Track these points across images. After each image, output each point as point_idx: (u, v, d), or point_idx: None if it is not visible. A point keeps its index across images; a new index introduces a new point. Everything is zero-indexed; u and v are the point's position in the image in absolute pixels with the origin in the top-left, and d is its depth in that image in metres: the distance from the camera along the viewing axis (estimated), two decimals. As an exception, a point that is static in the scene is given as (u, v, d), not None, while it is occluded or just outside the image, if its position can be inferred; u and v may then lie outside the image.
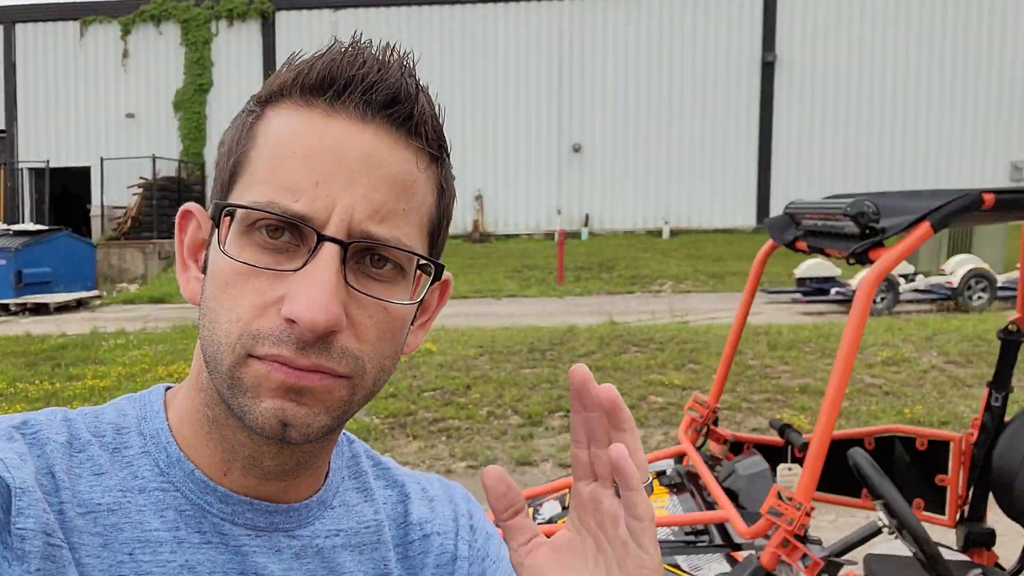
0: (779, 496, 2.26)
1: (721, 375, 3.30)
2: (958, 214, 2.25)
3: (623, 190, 21.02)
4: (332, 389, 0.61)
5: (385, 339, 0.64)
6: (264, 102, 0.65)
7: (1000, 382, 3.36)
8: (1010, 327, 3.33)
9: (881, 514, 2.35)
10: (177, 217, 0.71)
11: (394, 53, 0.64)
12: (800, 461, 3.11)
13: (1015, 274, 12.88)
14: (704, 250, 18.92)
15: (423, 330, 0.73)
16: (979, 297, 12.17)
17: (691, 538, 2.58)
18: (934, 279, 12.60)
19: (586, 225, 21.25)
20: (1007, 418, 3.33)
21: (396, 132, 0.63)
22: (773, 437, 3.35)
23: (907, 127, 20.10)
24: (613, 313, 12.46)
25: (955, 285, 12.18)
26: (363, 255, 0.62)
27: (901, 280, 12.43)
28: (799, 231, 2.99)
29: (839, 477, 3.10)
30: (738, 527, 2.39)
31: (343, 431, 0.77)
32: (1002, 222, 2.57)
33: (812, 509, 2.28)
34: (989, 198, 2.24)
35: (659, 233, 21.05)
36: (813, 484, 2.24)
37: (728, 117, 20.63)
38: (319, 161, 0.61)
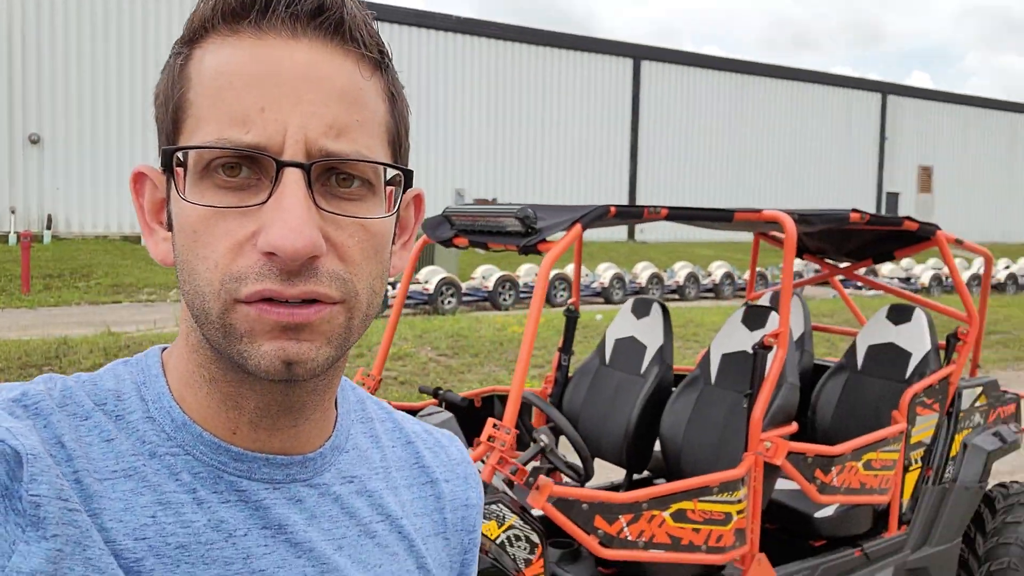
0: (494, 426, 2.94)
1: (384, 348, 3.87)
2: (598, 219, 3.20)
3: (94, 190, 19.32)
4: (329, 318, 0.60)
5: (369, 258, 0.62)
6: (189, 42, 0.62)
7: (566, 348, 4.54)
8: (569, 307, 4.52)
9: (543, 436, 3.20)
10: (131, 182, 0.68)
11: None
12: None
13: (474, 282, 15.61)
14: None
15: (405, 250, 0.72)
16: (449, 301, 14.44)
17: None
18: (413, 287, 14.52)
19: (48, 227, 19.07)
20: (571, 374, 4.52)
21: (331, 42, 0.61)
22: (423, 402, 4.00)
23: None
24: (109, 323, 11.70)
25: (431, 291, 14.26)
26: (328, 176, 0.61)
27: (389, 287, 14.08)
28: (453, 231, 3.70)
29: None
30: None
31: (344, 378, 0.77)
32: (625, 224, 3.63)
33: (516, 434, 3.01)
34: (613, 210, 3.23)
35: (139, 239, 19.88)
36: (515, 415, 2.97)
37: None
38: (260, 86, 0.58)
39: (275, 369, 0.59)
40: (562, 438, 4.59)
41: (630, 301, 4.50)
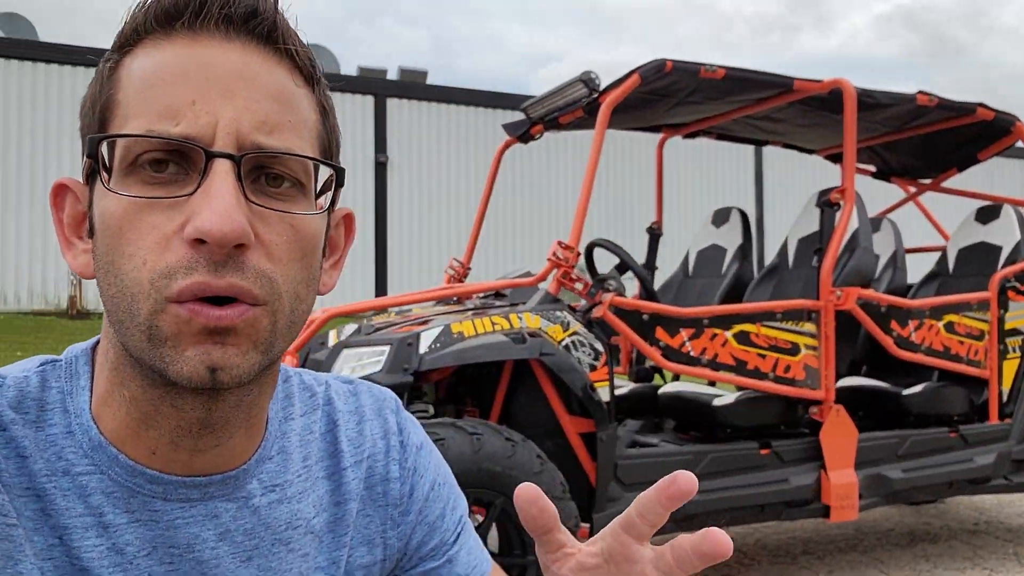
0: (559, 244, 3.17)
1: (473, 237, 4.21)
2: (655, 71, 3.44)
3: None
4: (253, 321, 0.58)
5: (296, 259, 0.61)
6: (120, 49, 0.62)
7: (649, 265, 4.70)
8: (652, 226, 4.70)
9: (615, 277, 3.39)
10: (51, 196, 0.66)
11: None
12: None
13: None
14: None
15: (336, 270, 0.71)
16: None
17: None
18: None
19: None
20: (656, 289, 4.66)
21: (263, 48, 0.62)
22: None
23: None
24: None
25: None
26: (258, 174, 0.60)
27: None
28: (528, 123, 4.04)
29: None
30: (531, 280, 3.28)
31: (285, 367, 0.75)
32: (678, 86, 3.74)
33: (579, 254, 3.23)
34: (670, 64, 3.47)
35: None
36: (578, 235, 3.19)
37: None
38: (191, 81, 0.58)
39: (199, 376, 0.57)
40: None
41: (710, 214, 4.66)
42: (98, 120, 0.61)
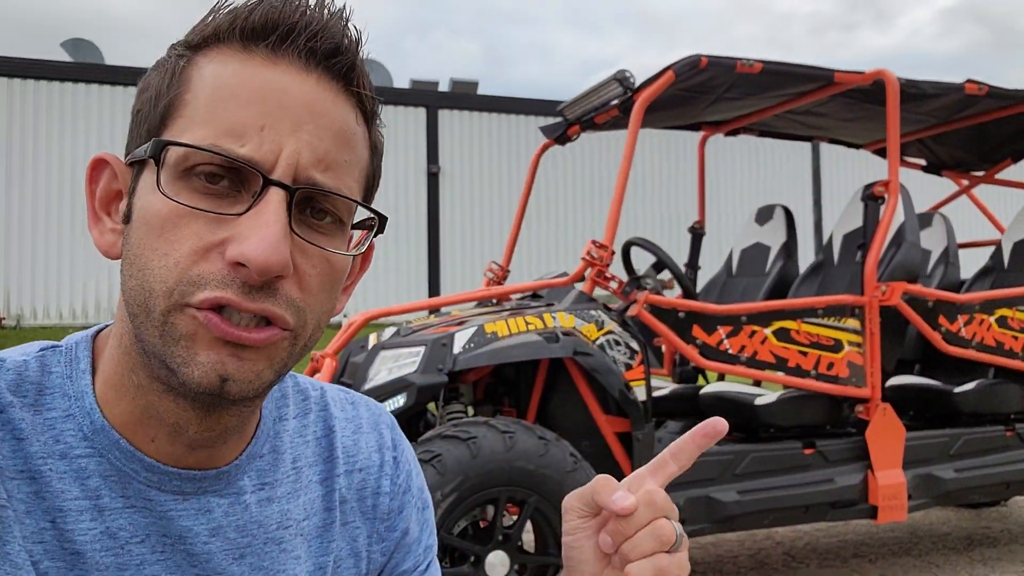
0: (593, 243, 3.16)
1: (511, 240, 4.22)
2: (689, 68, 3.42)
3: None
4: (277, 343, 0.60)
5: (325, 291, 0.63)
6: (195, 47, 0.63)
7: (692, 264, 4.66)
8: (694, 226, 4.65)
9: (651, 276, 3.36)
10: (88, 168, 0.67)
11: (332, 5, 0.63)
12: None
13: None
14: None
15: (346, 295, 0.72)
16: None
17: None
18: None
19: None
20: (698, 289, 4.61)
21: (337, 83, 0.63)
22: None
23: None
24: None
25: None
26: (305, 206, 0.61)
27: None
28: (565, 124, 4.04)
29: None
30: (565, 280, 3.28)
31: None
32: (715, 82, 3.71)
33: (613, 253, 3.21)
34: (704, 61, 3.44)
35: None
36: (612, 235, 3.18)
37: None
38: (264, 105, 0.59)
39: (208, 381, 0.58)
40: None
41: (754, 212, 4.59)
42: (160, 115, 0.62)
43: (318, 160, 0.60)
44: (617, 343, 3.06)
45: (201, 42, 0.63)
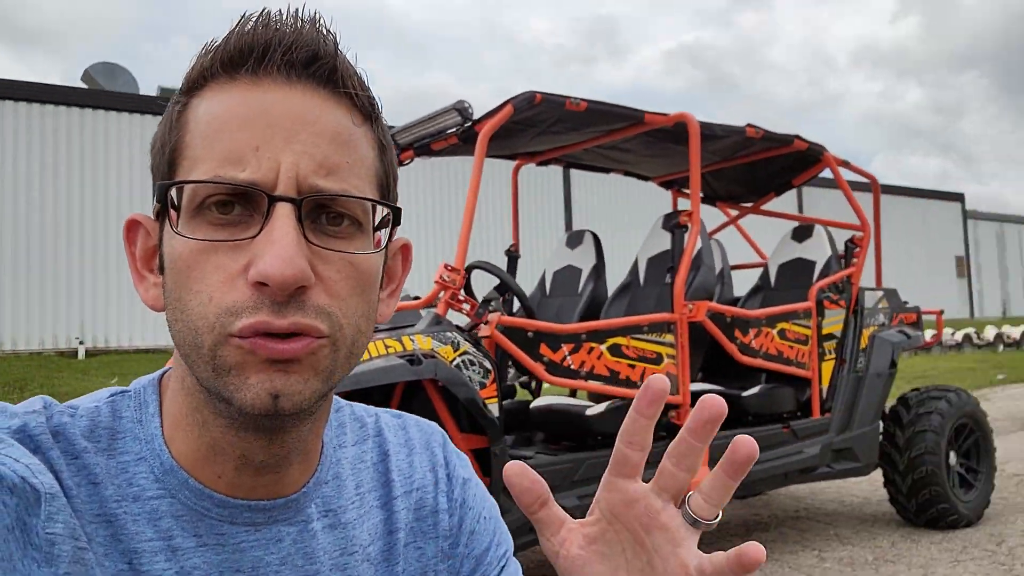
0: (446, 267, 3.29)
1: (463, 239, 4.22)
2: (527, 102, 3.66)
3: (28, 306, 18.92)
4: (316, 351, 0.61)
5: (356, 294, 0.64)
6: (188, 92, 0.65)
7: (501, 289, 4.91)
8: (510, 249, 4.93)
9: (495, 298, 3.55)
10: (124, 229, 0.70)
11: (304, 15, 0.64)
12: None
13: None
14: (127, 369, 18.31)
15: (393, 299, 0.73)
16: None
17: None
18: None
19: (-18, 345, 18.64)
20: (514, 310, 4.87)
21: (323, 90, 0.64)
22: None
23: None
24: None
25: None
26: (318, 214, 0.62)
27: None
28: (398, 148, 4.14)
29: None
30: (418, 304, 3.36)
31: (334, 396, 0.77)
32: (546, 116, 3.99)
33: (465, 276, 3.36)
34: (539, 96, 3.71)
35: (75, 354, 19.62)
36: (463, 258, 3.33)
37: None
38: (254, 127, 0.61)
39: (262, 402, 0.60)
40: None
41: (564, 236, 4.94)
42: (167, 162, 0.64)
43: (318, 166, 0.61)
44: (472, 363, 3.21)
45: (191, 85, 0.65)
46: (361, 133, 0.66)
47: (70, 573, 0.57)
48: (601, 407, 3.74)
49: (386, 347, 3.06)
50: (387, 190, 0.69)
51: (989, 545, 4.49)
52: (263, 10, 0.64)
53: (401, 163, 4.14)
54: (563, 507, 3.33)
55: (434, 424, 0.88)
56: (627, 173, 5.21)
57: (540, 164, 4.82)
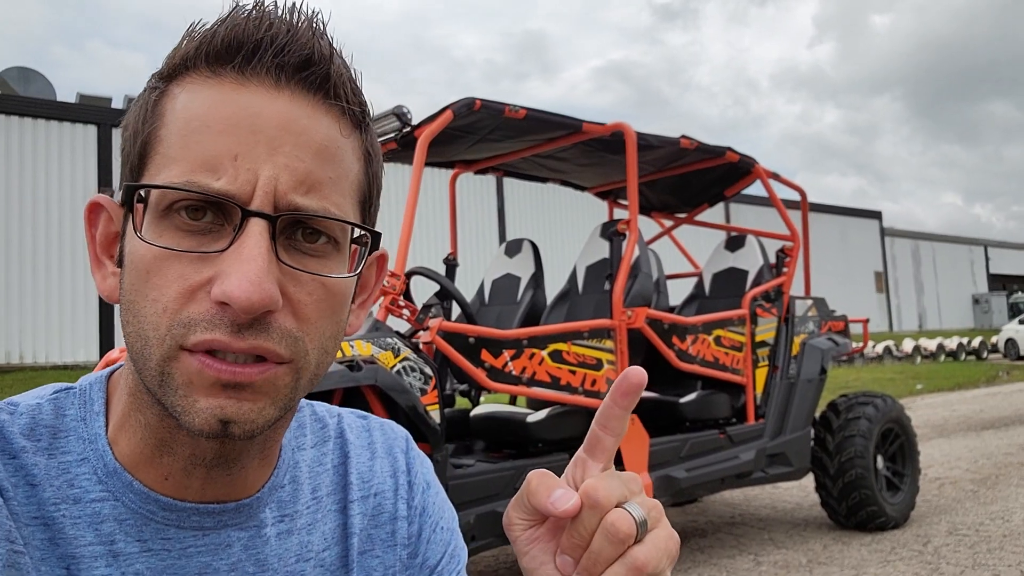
0: (390, 273, 3.24)
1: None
2: (466, 107, 3.65)
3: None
4: (275, 379, 0.58)
5: (325, 317, 0.60)
6: (167, 77, 0.61)
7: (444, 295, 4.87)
8: (448, 257, 4.90)
9: (436, 304, 3.52)
10: (85, 211, 0.65)
11: (301, 13, 0.60)
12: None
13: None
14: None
15: (363, 309, 0.71)
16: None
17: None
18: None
19: None
20: (453, 318, 4.83)
21: (313, 97, 0.60)
22: None
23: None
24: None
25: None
26: (294, 230, 0.59)
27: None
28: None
29: None
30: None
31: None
32: (486, 122, 3.99)
33: (405, 282, 3.32)
34: (479, 103, 3.70)
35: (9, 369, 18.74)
36: (403, 263, 3.29)
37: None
38: (235, 133, 0.57)
39: (209, 427, 0.56)
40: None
41: (503, 245, 4.94)
42: (138, 153, 0.60)
43: (299, 183, 0.58)
44: (412, 369, 3.16)
45: (172, 71, 0.60)
46: (348, 144, 0.62)
47: None
48: (542, 414, 3.73)
49: (324, 353, 2.99)
50: (369, 203, 0.66)
51: (916, 545, 4.62)
52: (257, 2, 0.60)
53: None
54: (502, 514, 3.32)
55: (400, 428, 0.84)
56: (564, 183, 5.24)
57: (478, 173, 4.81)
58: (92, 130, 16.87)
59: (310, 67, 0.59)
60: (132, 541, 0.61)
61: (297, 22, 0.59)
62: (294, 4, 0.60)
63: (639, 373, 0.55)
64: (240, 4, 0.60)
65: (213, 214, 0.57)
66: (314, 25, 0.60)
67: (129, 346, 0.59)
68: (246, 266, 0.54)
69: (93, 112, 17.00)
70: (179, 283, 0.56)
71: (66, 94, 17.53)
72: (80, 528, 0.60)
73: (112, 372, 0.67)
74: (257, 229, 0.56)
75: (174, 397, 0.56)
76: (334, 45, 0.61)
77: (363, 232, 0.63)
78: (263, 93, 0.58)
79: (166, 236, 0.57)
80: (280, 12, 0.59)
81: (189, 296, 0.56)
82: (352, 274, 0.62)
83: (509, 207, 21.99)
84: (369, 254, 0.64)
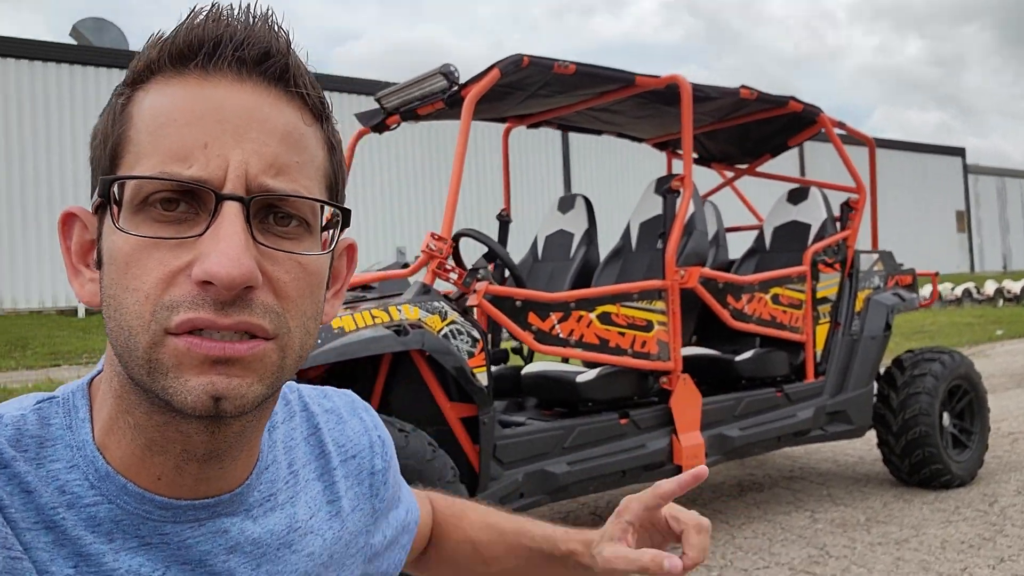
0: (432, 236, 3.25)
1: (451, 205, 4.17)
2: (513, 65, 3.58)
3: (27, 266, 19.02)
4: (263, 355, 0.60)
5: (304, 296, 0.62)
6: (133, 84, 0.63)
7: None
8: (501, 213, 4.88)
9: (483, 266, 3.51)
10: (59, 223, 0.67)
11: (256, 11, 0.63)
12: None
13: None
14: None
15: (337, 299, 0.73)
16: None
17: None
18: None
19: (-18, 307, 18.71)
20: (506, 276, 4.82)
21: (274, 88, 0.62)
22: None
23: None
24: (51, 378, 11.65)
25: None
26: (266, 214, 0.61)
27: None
28: (384, 113, 4.06)
29: None
30: (405, 272, 3.33)
31: None
32: (535, 80, 3.91)
33: (453, 245, 3.32)
34: (527, 60, 3.63)
35: (74, 312, 19.65)
36: (450, 226, 3.28)
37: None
38: (203, 123, 0.59)
39: (202, 404, 0.58)
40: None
41: (556, 200, 4.89)
42: (109, 156, 0.62)
43: (268, 166, 0.60)
44: (460, 332, 3.18)
45: (136, 77, 0.63)
46: (311, 132, 0.65)
47: None
48: (592, 374, 3.72)
49: (372, 317, 3.03)
50: (336, 191, 0.69)
51: (981, 505, 4.51)
52: (213, 5, 0.62)
53: (387, 127, 4.07)
54: (553, 473, 3.30)
55: (349, 391, 0.90)
56: (620, 135, 5.13)
57: (531, 127, 4.74)
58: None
59: (269, 59, 0.62)
60: (131, 538, 0.63)
61: (253, 19, 0.62)
62: (248, 4, 0.63)
63: (704, 470, 0.85)
64: (196, 7, 0.62)
65: (187, 203, 0.59)
66: (269, 21, 0.63)
67: (113, 343, 0.61)
68: (223, 243, 0.57)
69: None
70: (159, 269, 0.58)
71: (138, 43, 17.89)
72: (79, 531, 0.62)
73: (92, 379, 0.69)
74: (232, 211, 0.58)
75: (165, 380, 0.58)
76: (291, 40, 0.64)
77: (334, 214, 0.66)
78: (226, 86, 0.61)
79: (143, 228, 0.59)
80: (236, 12, 0.62)
81: (170, 281, 0.58)
82: (326, 251, 0.65)
83: (575, 159, 21.72)
84: (341, 232, 0.67)
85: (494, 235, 4.83)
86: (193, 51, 0.61)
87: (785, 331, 4.26)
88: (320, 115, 0.66)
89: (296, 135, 0.63)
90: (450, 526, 1.00)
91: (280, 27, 0.63)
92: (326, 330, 2.92)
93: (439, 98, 3.66)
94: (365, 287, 3.53)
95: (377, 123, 4.04)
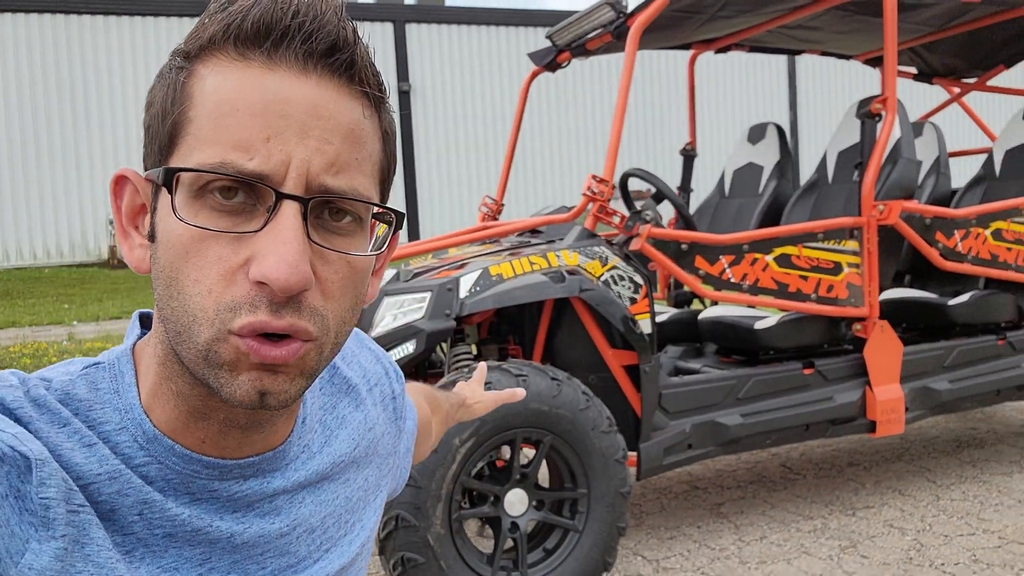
0: (593, 178, 3.13)
1: (505, 172, 4.17)
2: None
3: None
4: (304, 355, 0.62)
5: (348, 293, 0.64)
6: (193, 57, 0.63)
7: (684, 186, 4.64)
8: (686, 147, 4.62)
9: (651, 208, 3.34)
10: (111, 184, 0.69)
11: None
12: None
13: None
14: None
15: (377, 277, 0.74)
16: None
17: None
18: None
19: None
20: (692, 212, 4.60)
21: (339, 80, 0.62)
22: None
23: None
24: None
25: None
26: (321, 209, 0.62)
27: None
28: (554, 51, 3.94)
29: None
30: (567, 217, 3.25)
31: None
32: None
33: (613, 187, 3.19)
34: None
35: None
36: (612, 168, 3.15)
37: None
38: (266, 116, 0.59)
39: (249, 399, 0.61)
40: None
41: (746, 131, 4.55)
42: (168, 133, 0.62)
43: (329, 164, 0.61)
44: (621, 278, 3.07)
45: (198, 51, 0.62)
46: (370, 124, 0.65)
47: (66, 535, 0.59)
48: (771, 320, 3.47)
49: (531, 263, 2.99)
50: (388, 181, 0.70)
51: None
52: None
53: (559, 65, 3.95)
54: (724, 424, 3.16)
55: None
56: (824, 53, 4.65)
57: (718, 52, 4.41)
58: (389, 27, 17.96)
59: (336, 52, 0.61)
60: (183, 495, 0.67)
61: (323, 8, 0.61)
62: None
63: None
64: None
65: (245, 194, 0.60)
66: (338, 10, 0.62)
67: (168, 318, 0.62)
68: (283, 248, 0.58)
69: (387, 10, 18.01)
70: (219, 265, 0.59)
71: (361, -7, 18.65)
72: (136, 486, 0.65)
73: (134, 344, 0.71)
74: (291, 211, 0.59)
75: (218, 371, 0.61)
76: (357, 29, 0.63)
77: (386, 211, 0.67)
78: (291, 78, 0.60)
79: (201, 216, 0.60)
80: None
81: (230, 278, 0.59)
82: (374, 252, 0.67)
83: (802, 83, 20.16)
84: (394, 233, 0.69)
85: (677, 172, 4.60)
86: (260, 37, 0.60)
87: (1009, 271, 3.72)
88: (379, 105, 0.66)
89: (357, 131, 0.63)
90: (429, 422, 1.12)
91: (348, 18, 0.63)
92: (484, 277, 2.93)
93: (607, 30, 3.49)
94: (533, 231, 3.50)
95: (549, 61, 3.94)
